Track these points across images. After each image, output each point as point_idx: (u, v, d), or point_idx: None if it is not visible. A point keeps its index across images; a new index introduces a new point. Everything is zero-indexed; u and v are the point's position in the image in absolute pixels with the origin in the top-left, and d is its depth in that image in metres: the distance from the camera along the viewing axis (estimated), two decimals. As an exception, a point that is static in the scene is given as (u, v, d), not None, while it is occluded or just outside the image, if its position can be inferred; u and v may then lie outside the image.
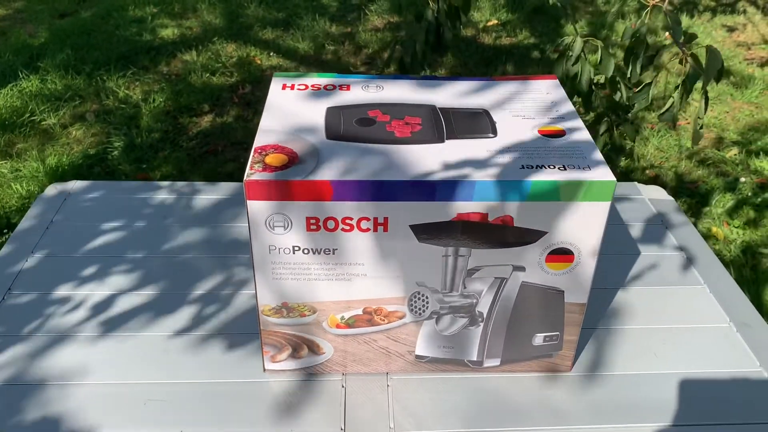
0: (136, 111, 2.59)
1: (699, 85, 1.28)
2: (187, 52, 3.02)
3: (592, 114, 1.55)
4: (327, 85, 0.84)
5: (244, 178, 0.66)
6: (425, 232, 0.70)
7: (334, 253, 0.71)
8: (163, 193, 1.15)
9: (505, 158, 0.70)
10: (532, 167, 0.69)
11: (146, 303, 0.92)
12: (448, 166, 0.69)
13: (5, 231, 1.97)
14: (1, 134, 2.42)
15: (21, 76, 2.76)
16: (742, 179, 2.26)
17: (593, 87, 1.44)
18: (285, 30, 3.27)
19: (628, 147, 1.52)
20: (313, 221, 0.69)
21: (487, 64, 3.03)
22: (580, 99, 1.45)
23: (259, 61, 2.99)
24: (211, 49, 3.06)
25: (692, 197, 2.20)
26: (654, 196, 1.19)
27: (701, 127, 1.33)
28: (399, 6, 3.44)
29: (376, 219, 0.69)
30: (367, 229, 0.69)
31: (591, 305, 0.78)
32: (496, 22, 3.40)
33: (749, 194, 2.18)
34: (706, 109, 1.30)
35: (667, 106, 1.35)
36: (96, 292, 0.93)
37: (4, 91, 2.67)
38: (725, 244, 2.00)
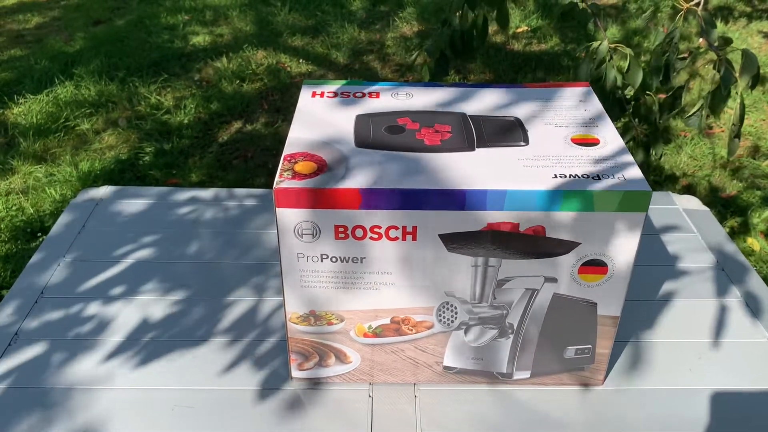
0: (167, 117, 2.62)
1: (734, 90, 1.25)
2: (218, 59, 3.05)
3: (620, 123, 1.52)
4: (356, 93, 0.84)
5: (273, 185, 0.66)
6: (455, 241, 0.69)
7: (362, 262, 0.70)
8: (193, 199, 1.16)
9: (537, 167, 0.69)
10: (565, 176, 0.67)
11: (175, 309, 0.92)
12: (478, 175, 0.68)
13: (39, 235, 2.01)
14: (36, 139, 2.46)
15: (56, 82, 2.81)
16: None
17: (620, 95, 1.40)
18: (314, 37, 3.29)
19: (653, 160, 1.48)
20: (341, 229, 0.68)
21: (517, 70, 3.00)
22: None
23: (288, 68, 3.01)
24: (241, 56, 3.08)
25: (726, 207, 2.15)
26: (688, 206, 1.16)
27: (737, 136, 1.28)
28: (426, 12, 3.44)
29: (404, 228, 0.68)
30: (396, 238, 0.69)
31: (624, 318, 0.76)
32: (526, 28, 3.37)
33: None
34: (742, 116, 1.26)
35: (694, 109, 1.31)
36: (126, 297, 0.94)
37: (40, 96, 2.72)
38: (762, 255, 1.95)
